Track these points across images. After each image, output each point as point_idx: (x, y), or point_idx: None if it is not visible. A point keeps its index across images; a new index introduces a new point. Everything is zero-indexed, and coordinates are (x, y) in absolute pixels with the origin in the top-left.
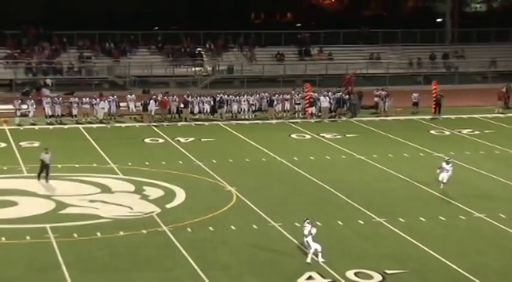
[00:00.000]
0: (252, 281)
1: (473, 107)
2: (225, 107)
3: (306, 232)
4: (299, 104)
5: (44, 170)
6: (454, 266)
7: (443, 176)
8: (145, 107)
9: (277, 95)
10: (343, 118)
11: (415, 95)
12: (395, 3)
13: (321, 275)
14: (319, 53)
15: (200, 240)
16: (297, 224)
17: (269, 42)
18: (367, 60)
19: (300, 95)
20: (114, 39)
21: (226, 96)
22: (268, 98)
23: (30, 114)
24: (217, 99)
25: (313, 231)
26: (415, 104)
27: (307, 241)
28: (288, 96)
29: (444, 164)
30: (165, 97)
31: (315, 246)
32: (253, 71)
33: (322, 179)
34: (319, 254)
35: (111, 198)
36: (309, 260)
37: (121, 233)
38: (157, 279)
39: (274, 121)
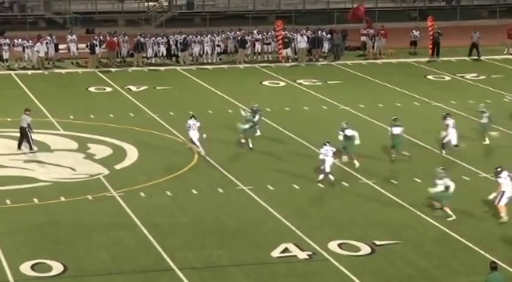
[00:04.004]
0: (217, 254)
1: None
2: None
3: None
4: (269, 44)
5: (22, 136)
6: (455, 235)
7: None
8: (92, 49)
9: (250, 35)
10: (324, 61)
11: (415, 32)
12: None
13: (298, 247)
14: None
15: (156, 206)
16: (270, 187)
17: None
18: None
19: (270, 33)
20: None
21: (183, 36)
22: (239, 38)
23: None
24: (179, 40)
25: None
26: (414, 43)
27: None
28: (260, 37)
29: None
30: (113, 38)
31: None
32: (217, 6)
33: (299, 134)
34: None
35: (50, 157)
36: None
37: (62, 198)
38: (105, 251)
39: (242, 66)
